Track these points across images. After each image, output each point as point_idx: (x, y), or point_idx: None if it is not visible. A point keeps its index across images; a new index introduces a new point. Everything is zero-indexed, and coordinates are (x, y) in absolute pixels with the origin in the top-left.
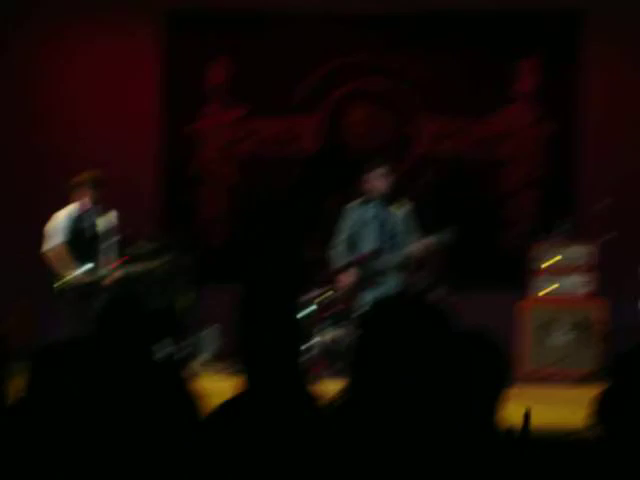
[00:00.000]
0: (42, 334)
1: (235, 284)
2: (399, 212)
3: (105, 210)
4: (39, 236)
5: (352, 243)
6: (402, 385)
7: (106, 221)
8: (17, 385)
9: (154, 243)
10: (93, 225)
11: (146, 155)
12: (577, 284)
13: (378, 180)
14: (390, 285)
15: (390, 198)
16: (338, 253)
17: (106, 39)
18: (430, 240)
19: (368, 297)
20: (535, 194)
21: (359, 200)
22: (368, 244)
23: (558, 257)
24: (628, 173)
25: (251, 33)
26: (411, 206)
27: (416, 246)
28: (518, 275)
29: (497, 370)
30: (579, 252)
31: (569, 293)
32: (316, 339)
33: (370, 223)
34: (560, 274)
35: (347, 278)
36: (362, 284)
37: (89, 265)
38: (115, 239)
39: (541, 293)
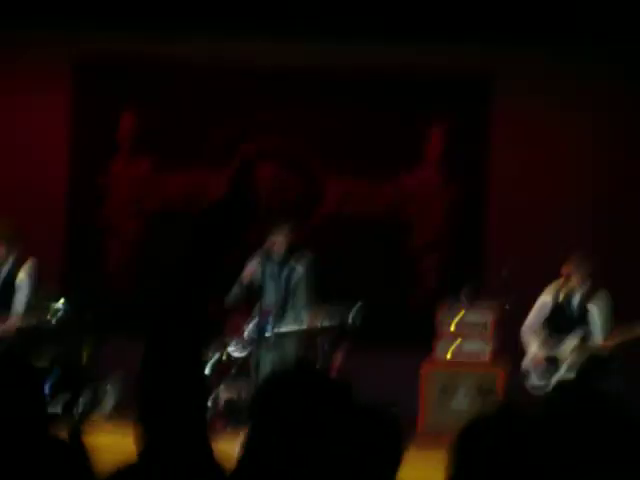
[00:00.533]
0: None
1: (140, 337)
2: (299, 267)
3: (17, 264)
4: None
5: (252, 294)
6: (298, 459)
7: (19, 274)
8: None
9: (53, 297)
10: (5, 277)
11: (53, 205)
12: (477, 349)
13: (279, 239)
14: (287, 349)
15: (289, 255)
16: (232, 293)
17: (17, 89)
18: (329, 320)
19: (265, 358)
20: (441, 256)
21: (259, 255)
22: (267, 300)
23: (460, 317)
24: (531, 236)
25: (158, 85)
26: (308, 264)
27: (315, 319)
28: (425, 336)
29: (391, 448)
30: (482, 316)
31: (472, 356)
32: (219, 393)
33: (269, 280)
34: (463, 337)
35: (251, 268)
36: (260, 342)
37: None
38: (25, 295)
39: (445, 355)
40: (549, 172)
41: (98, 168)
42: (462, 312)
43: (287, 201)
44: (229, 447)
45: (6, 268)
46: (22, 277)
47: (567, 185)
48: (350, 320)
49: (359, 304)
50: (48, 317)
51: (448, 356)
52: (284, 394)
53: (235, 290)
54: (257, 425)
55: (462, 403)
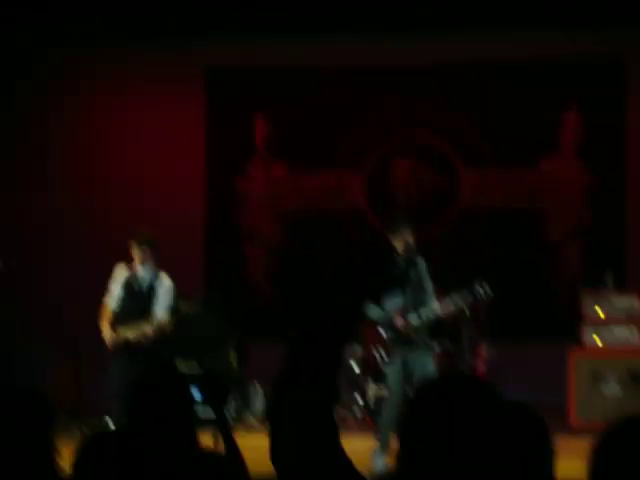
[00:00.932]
0: (91, 391)
1: (280, 342)
2: (418, 267)
3: (157, 270)
4: (93, 292)
5: (382, 299)
6: (454, 463)
7: (158, 281)
8: (64, 445)
9: (197, 304)
10: (144, 284)
11: (192, 211)
12: (625, 335)
13: (402, 239)
14: (422, 345)
15: (415, 255)
16: (374, 314)
17: (151, 95)
18: (457, 298)
19: (402, 355)
20: (582, 244)
21: (388, 256)
22: (395, 302)
23: (603, 307)
24: None
25: (289, 88)
26: (422, 259)
27: (441, 307)
28: (569, 325)
29: (543, 445)
30: (628, 303)
31: (619, 344)
32: (368, 391)
33: (396, 281)
34: (608, 324)
35: (401, 320)
36: (395, 342)
37: (133, 325)
38: (166, 300)
39: (593, 342)
40: None
41: (235, 171)
42: (607, 299)
43: (425, 195)
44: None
45: (147, 274)
46: (163, 283)
47: None
48: (481, 293)
49: (481, 279)
50: (194, 325)
51: (599, 343)
52: (435, 402)
53: (375, 315)
54: (410, 436)
55: (614, 390)
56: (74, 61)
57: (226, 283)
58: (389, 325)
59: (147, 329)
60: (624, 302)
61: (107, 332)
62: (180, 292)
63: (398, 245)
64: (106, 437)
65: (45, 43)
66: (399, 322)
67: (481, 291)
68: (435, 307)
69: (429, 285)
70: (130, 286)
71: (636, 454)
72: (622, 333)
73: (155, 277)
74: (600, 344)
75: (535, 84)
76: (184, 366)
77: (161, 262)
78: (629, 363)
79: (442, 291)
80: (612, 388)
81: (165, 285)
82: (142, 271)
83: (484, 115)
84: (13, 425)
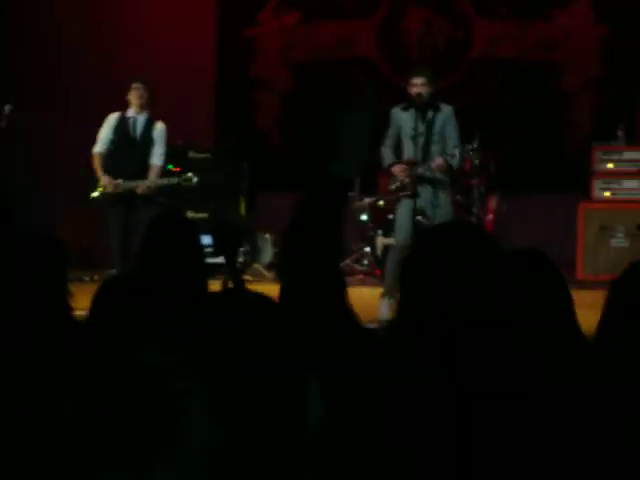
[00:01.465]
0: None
1: (289, 192)
2: (439, 115)
3: (155, 118)
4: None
5: (395, 148)
6: (455, 308)
7: (155, 130)
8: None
9: (206, 153)
10: (140, 131)
11: (202, 59)
12: (635, 189)
13: (419, 88)
14: (434, 198)
15: (432, 103)
16: (386, 152)
17: None
18: (451, 153)
19: (405, 207)
20: (594, 97)
21: (402, 105)
22: (409, 151)
23: (617, 156)
24: None
25: None
26: (451, 110)
27: (436, 161)
28: (579, 178)
29: (557, 285)
30: (638, 157)
31: (627, 198)
32: (367, 248)
33: (410, 128)
34: (619, 178)
35: (400, 169)
36: (403, 190)
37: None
38: (161, 150)
39: (603, 195)
40: None
41: (247, 19)
42: (618, 153)
43: (437, 46)
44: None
45: (141, 118)
46: (159, 132)
47: None
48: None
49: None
50: (184, 179)
51: (606, 194)
52: (433, 246)
53: (387, 141)
54: (408, 280)
55: (622, 241)
56: None
57: (236, 131)
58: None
59: (148, 182)
60: (635, 155)
61: (103, 179)
62: (190, 141)
63: (411, 94)
64: (122, 281)
65: None
66: (396, 169)
67: (469, 148)
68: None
69: (451, 136)
70: (123, 129)
71: None
72: (632, 186)
73: (150, 122)
74: (610, 197)
75: None
76: (194, 215)
77: (171, 111)
78: (637, 216)
79: None
80: (620, 241)
81: (159, 130)
82: (137, 115)
83: None
84: (27, 265)
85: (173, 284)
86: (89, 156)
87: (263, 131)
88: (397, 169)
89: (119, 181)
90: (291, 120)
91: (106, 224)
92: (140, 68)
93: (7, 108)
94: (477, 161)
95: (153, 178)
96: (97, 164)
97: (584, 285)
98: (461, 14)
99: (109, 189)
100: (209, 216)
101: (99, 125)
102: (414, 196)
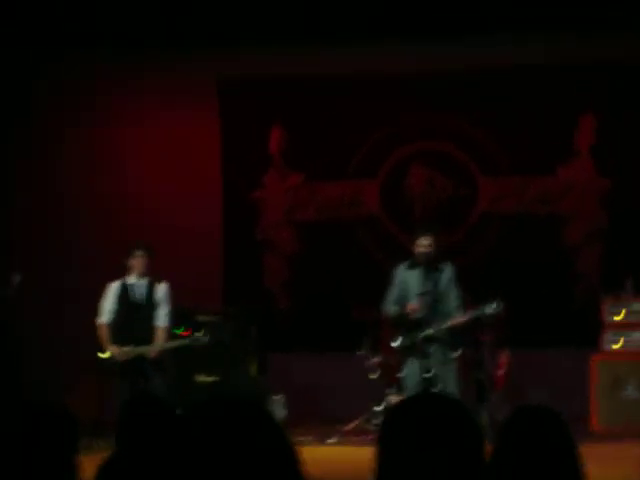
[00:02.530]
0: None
1: (300, 353)
2: (444, 275)
3: (156, 281)
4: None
5: (400, 304)
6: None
7: (157, 292)
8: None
9: (216, 315)
10: (142, 296)
11: (209, 222)
12: None
13: (426, 247)
14: (441, 355)
15: (435, 262)
16: (389, 306)
17: (166, 108)
18: (474, 313)
19: (414, 366)
20: (600, 249)
21: (407, 263)
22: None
23: (624, 312)
24: None
25: (304, 97)
26: (453, 268)
27: (460, 319)
28: (590, 330)
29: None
30: None
31: (639, 348)
32: (381, 406)
33: (416, 287)
34: (629, 329)
35: (416, 306)
36: (409, 351)
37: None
38: (165, 311)
39: (613, 346)
40: None
41: (252, 182)
42: (627, 304)
43: (441, 203)
44: None
45: (143, 283)
46: (162, 293)
47: None
48: (490, 310)
49: (497, 296)
50: (195, 338)
51: (616, 346)
52: (411, 418)
53: (390, 298)
54: (386, 447)
55: (635, 393)
56: (89, 73)
57: (245, 294)
58: (404, 324)
59: (158, 345)
60: None
61: (111, 349)
62: (199, 303)
63: (417, 253)
64: (121, 459)
65: (61, 49)
66: (411, 307)
67: (493, 307)
68: (453, 317)
69: (454, 294)
70: (126, 297)
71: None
72: None
73: (152, 286)
74: (621, 349)
75: (551, 89)
76: (206, 378)
77: (179, 276)
78: None
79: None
80: (633, 393)
81: (162, 291)
82: (138, 281)
83: (500, 122)
84: (37, 438)
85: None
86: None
87: (271, 293)
88: (412, 307)
89: (128, 348)
90: (298, 281)
91: (115, 392)
92: (148, 231)
93: (16, 278)
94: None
95: (161, 341)
96: (103, 335)
97: (598, 438)
98: (464, 172)
99: (119, 358)
100: (220, 378)
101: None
102: (425, 356)
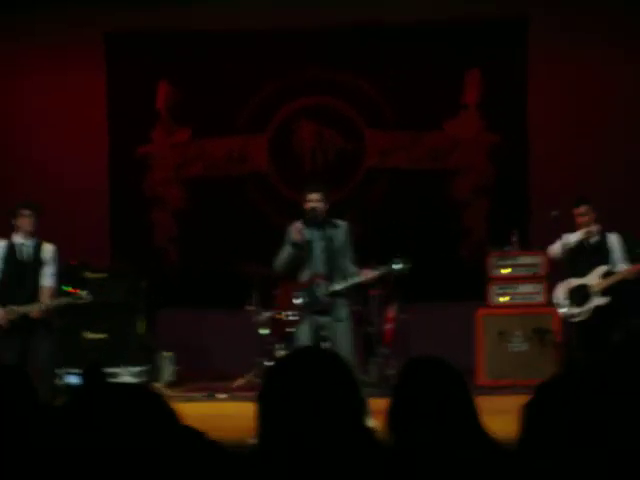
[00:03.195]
0: None
1: (188, 309)
2: (338, 232)
3: (43, 241)
4: None
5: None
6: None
7: (43, 252)
8: None
9: (102, 272)
10: (29, 256)
11: (96, 178)
12: (531, 293)
13: (315, 203)
14: (338, 312)
15: (328, 219)
16: (281, 257)
17: (52, 64)
18: (382, 270)
19: (307, 322)
20: (487, 203)
21: (300, 221)
22: (314, 264)
23: (509, 266)
24: (575, 182)
25: (192, 53)
26: (348, 225)
27: (370, 275)
28: (476, 285)
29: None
30: (532, 261)
31: (523, 302)
32: (269, 361)
33: (311, 246)
34: (514, 283)
35: (298, 227)
36: (307, 308)
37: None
38: (51, 271)
39: (497, 302)
40: (588, 110)
41: (139, 138)
42: (512, 258)
43: (330, 158)
44: None
45: (30, 243)
46: (48, 254)
47: (603, 122)
48: (397, 267)
49: (405, 255)
50: (79, 296)
51: (502, 300)
52: (289, 373)
53: (284, 254)
54: (265, 402)
55: (520, 346)
56: None
57: (132, 250)
58: (302, 287)
59: (41, 305)
60: (529, 260)
61: None
62: (87, 261)
63: (307, 210)
64: None
65: None
66: (295, 228)
67: (401, 266)
68: (354, 275)
69: (348, 251)
70: (12, 256)
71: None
72: (527, 290)
73: (38, 246)
74: (507, 302)
75: (438, 45)
76: (94, 335)
77: (66, 232)
78: (534, 320)
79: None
80: (518, 345)
81: (48, 251)
82: (24, 240)
83: (387, 77)
84: None
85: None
86: None
87: (160, 249)
88: (296, 228)
89: (12, 307)
90: (187, 237)
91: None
92: (32, 189)
93: None
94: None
95: (46, 300)
96: None
97: (485, 391)
98: (352, 127)
99: (5, 318)
100: (108, 335)
101: None
102: (327, 311)
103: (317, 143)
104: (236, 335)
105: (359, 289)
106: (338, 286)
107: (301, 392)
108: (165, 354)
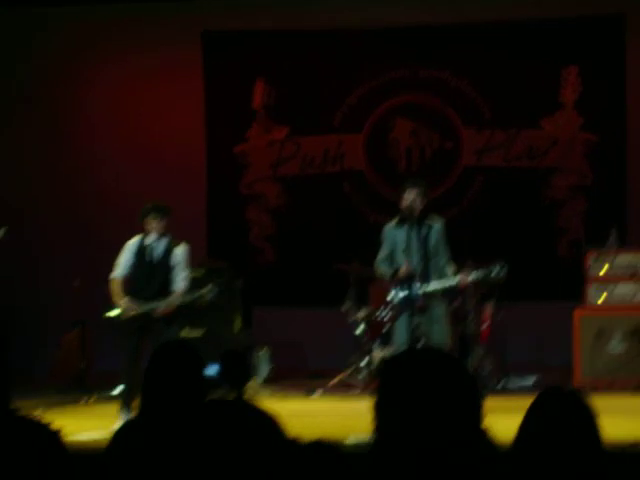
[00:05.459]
0: (97, 362)
1: (284, 307)
2: (433, 230)
3: (174, 241)
4: (93, 263)
5: (390, 263)
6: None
7: (173, 254)
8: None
9: (199, 270)
10: (158, 256)
11: (194, 177)
12: (630, 293)
13: (412, 201)
14: (434, 311)
15: (424, 217)
16: (383, 267)
17: (151, 64)
18: (479, 275)
19: (404, 321)
20: (584, 202)
21: (395, 219)
22: (409, 262)
23: (607, 266)
24: None
25: (288, 52)
26: (443, 223)
27: (461, 278)
28: (573, 284)
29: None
30: (631, 261)
31: (622, 302)
32: (365, 360)
33: (405, 244)
34: (613, 283)
35: (407, 268)
36: (403, 307)
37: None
38: (183, 275)
39: (597, 301)
40: None
41: (236, 136)
42: (610, 258)
43: (426, 156)
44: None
45: (161, 243)
46: (179, 257)
47: None
48: (495, 274)
49: (503, 260)
50: (203, 293)
51: (600, 301)
52: (410, 369)
53: (382, 256)
54: (384, 397)
55: (618, 347)
56: (73, 27)
57: (229, 248)
58: (397, 283)
59: (170, 302)
60: (628, 259)
61: (123, 303)
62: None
63: (403, 207)
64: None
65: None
66: (404, 269)
67: (499, 271)
68: (451, 276)
69: (443, 248)
70: (143, 255)
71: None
72: (626, 290)
73: (170, 246)
74: (604, 302)
75: (535, 43)
76: (189, 333)
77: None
78: (633, 320)
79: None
80: (617, 346)
81: (179, 254)
82: (156, 241)
83: (485, 75)
84: None
85: (176, 418)
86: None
87: (256, 247)
88: (404, 269)
89: (134, 305)
90: (283, 235)
91: (100, 348)
92: (131, 187)
93: (2, 231)
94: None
95: (164, 300)
96: (116, 288)
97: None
98: (449, 126)
99: (129, 313)
100: (204, 333)
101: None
102: (413, 312)
103: (413, 142)
104: (332, 334)
105: (455, 288)
106: (433, 286)
107: (421, 392)
108: (261, 352)
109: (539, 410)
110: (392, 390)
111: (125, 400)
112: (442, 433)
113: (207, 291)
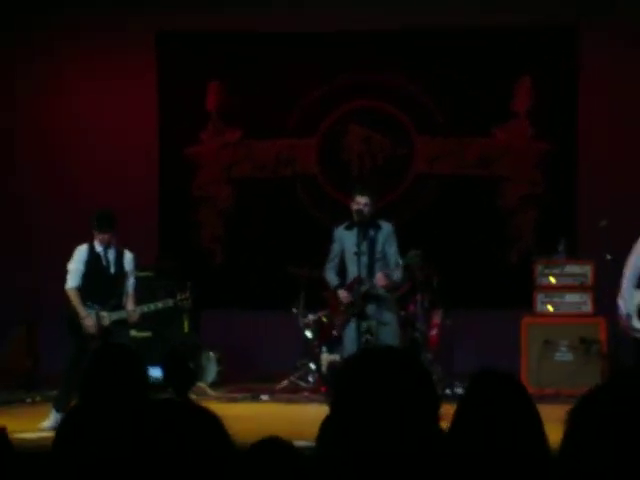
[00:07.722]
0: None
1: (233, 309)
2: (381, 233)
3: (122, 249)
4: (40, 260)
5: (340, 267)
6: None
7: (125, 261)
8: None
9: (148, 271)
10: (110, 264)
11: (146, 178)
12: (578, 302)
13: (363, 205)
14: (383, 316)
15: (374, 221)
16: (330, 275)
17: (102, 65)
18: (389, 270)
19: (353, 325)
20: (535, 211)
21: (344, 224)
22: (353, 270)
23: (556, 275)
24: (625, 191)
25: (243, 54)
26: (392, 226)
27: (378, 278)
28: (523, 292)
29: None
30: (579, 270)
31: (570, 311)
32: (322, 356)
33: (354, 247)
34: (561, 292)
35: (346, 295)
36: (351, 310)
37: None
38: (133, 279)
39: (546, 309)
40: (639, 119)
41: (189, 137)
42: (559, 267)
43: (378, 162)
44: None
45: (112, 253)
46: (129, 264)
47: None
48: (408, 260)
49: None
50: (181, 299)
51: (549, 309)
52: (367, 369)
53: (331, 259)
54: (342, 398)
55: (566, 355)
56: (25, 28)
57: (179, 249)
58: (346, 289)
59: (138, 309)
60: (576, 269)
61: (85, 316)
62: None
63: (354, 212)
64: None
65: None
66: (342, 295)
67: (412, 258)
68: (375, 280)
69: (392, 252)
70: (94, 263)
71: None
72: (574, 300)
73: (120, 254)
74: (552, 311)
75: (489, 52)
76: (137, 334)
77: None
78: (581, 330)
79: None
80: (564, 355)
81: (129, 260)
82: (105, 249)
83: (439, 83)
84: None
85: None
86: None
87: (206, 249)
88: (343, 295)
89: (104, 314)
90: (233, 238)
91: (48, 346)
92: (82, 189)
93: None
94: (421, 277)
95: (141, 306)
96: (75, 299)
97: None
98: (401, 132)
99: (94, 330)
100: (152, 334)
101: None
102: (361, 316)
103: (365, 148)
104: (281, 337)
105: (405, 294)
106: (366, 287)
107: (376, 390)
108: (209, 354)
109: (476, 392)
110: (350, 389)
111: (61, 399)
112: (400, 429)
113: (180, 299)
